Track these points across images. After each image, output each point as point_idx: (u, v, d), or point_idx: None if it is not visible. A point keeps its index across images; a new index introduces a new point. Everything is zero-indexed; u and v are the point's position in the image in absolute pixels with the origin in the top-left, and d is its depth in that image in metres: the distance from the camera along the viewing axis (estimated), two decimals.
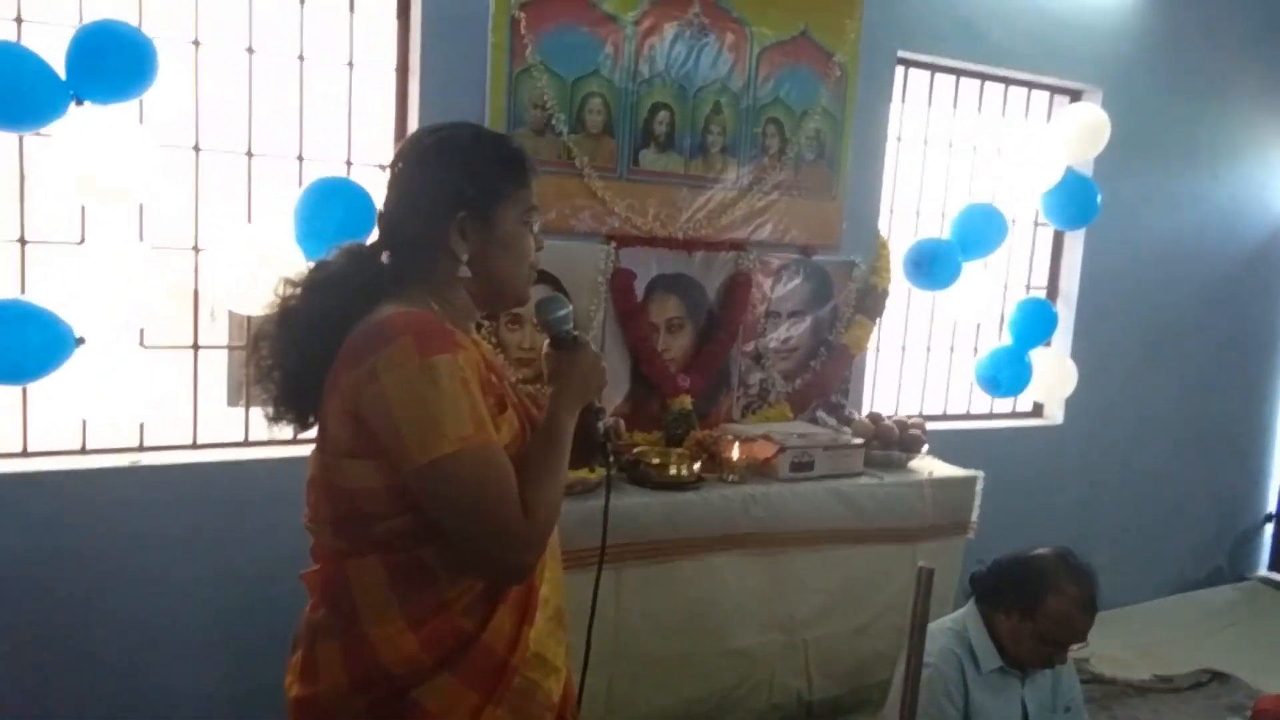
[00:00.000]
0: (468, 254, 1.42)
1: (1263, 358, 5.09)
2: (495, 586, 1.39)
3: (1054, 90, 4.17)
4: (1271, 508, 5.23)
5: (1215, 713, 3.70)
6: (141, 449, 2.72)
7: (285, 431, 1.47)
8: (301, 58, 2.81)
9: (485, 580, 1.38)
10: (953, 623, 2.43)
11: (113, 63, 2.30)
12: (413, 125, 2.87)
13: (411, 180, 1.43)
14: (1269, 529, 5.25)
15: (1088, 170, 3.98)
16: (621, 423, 2.98)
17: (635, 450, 3.00)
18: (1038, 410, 4.43)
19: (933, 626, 2.37)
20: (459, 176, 1.41)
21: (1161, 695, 3.81)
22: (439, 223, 1.40)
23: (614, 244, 3.11)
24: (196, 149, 2.72)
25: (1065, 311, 4.27)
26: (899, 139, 3.82)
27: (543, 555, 1.42)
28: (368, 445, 1.32)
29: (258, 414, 2.86)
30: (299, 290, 1.42)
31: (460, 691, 1.36)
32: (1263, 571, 5.22)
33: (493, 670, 1.38)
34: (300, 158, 2.84)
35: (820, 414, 3.52)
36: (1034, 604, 2.25)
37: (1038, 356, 3.89)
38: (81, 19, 2.49)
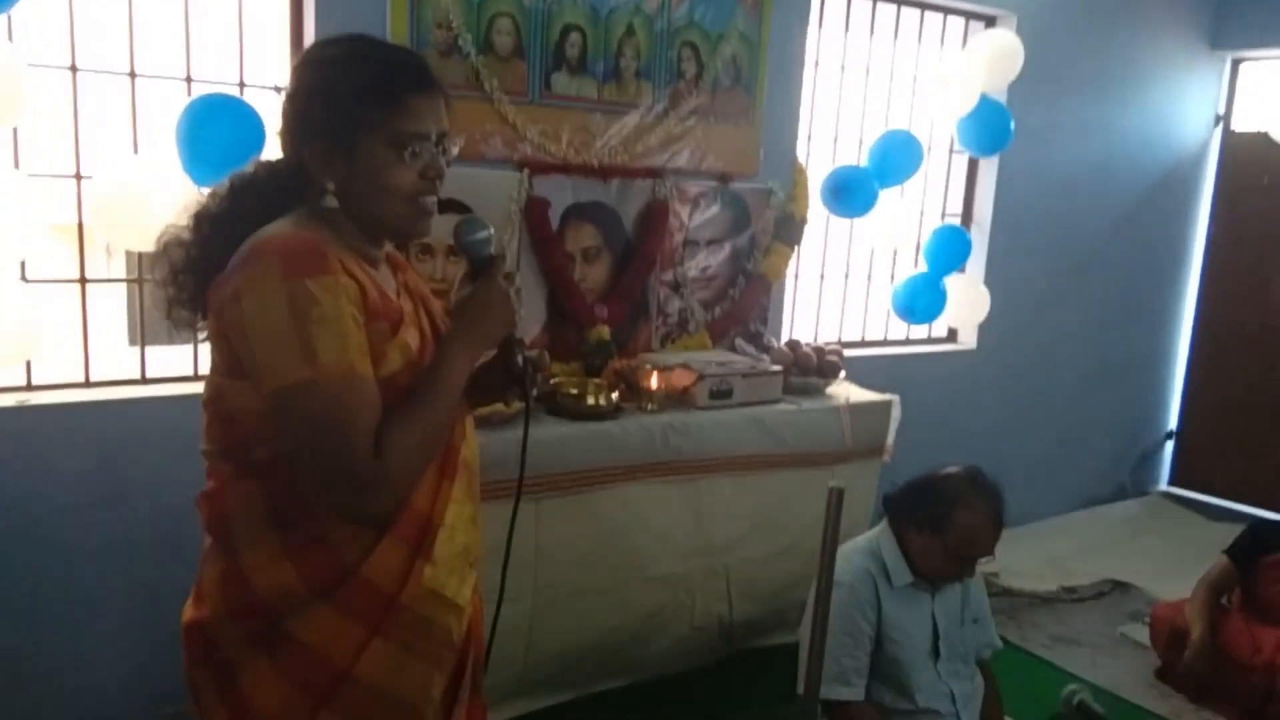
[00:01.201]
0: (332, 181, 1.35)
1: (1167, 282, 5.26)
2: (380, 520, 1.33)
3: (969, 16, 4.17)
4: (1172, 426, 5.46)
5: (1117, 620, 3.89)
6: (30, 388, 2.59)
7: (181, 350, 1.43)
8: None
9: (332, 517, 1.31)
10: (867, 541, 2.48)
11: None
12: (308, 43, 2.72)
13: (285, 101, 1.39)
14: (1169, 446, 5.49)
15: (1002, 98, 4.00)
16: (546, 355, 2.94)
17: (553, 381, 2.96)
18: (952, 336, 4.52)
19: (847, 546, 2.42)
20: (317, 100, 1.34)
21: (1067, 605, 3.99)
22: (300, 148, 1.36)
23: (527, 171, 3.03)
24: (74, 69, 2.55)
25: (979, 238, 4.33)
26: (816, 65, 3.78)
27: (432, 492, 1.38)
28: (238, 366, 1.28)
29: (157, 351, 2.77)
30: (215, 198, 1.40)
31: (340, 623, 1.32)
32: (1163, 486, 5.47)
33: (378, 604, 1.33)
34: (189, 79, 2.68)
35: (739, 342, 3.53)
36: (943, 521, 2.31)
37: (952, 284, 3.95)
38: None
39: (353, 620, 1.32)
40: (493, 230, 1.47)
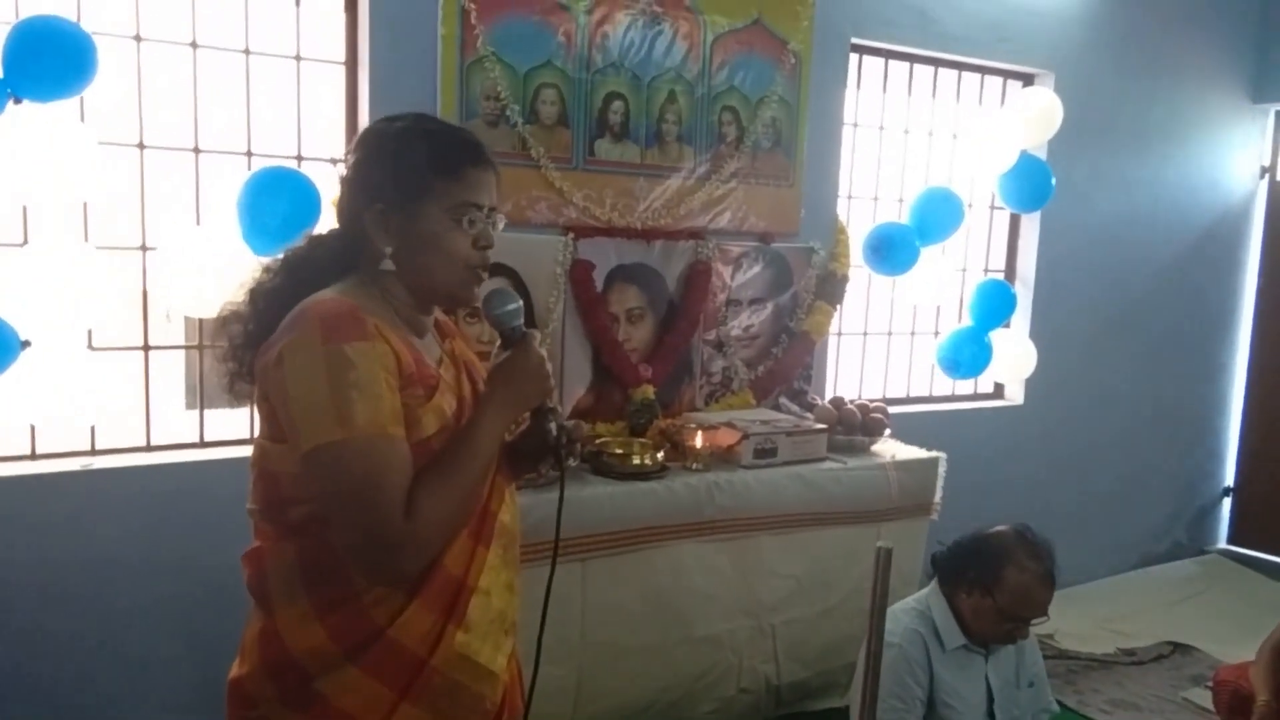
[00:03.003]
0: (390, 247, 1.40)
1: (1217, 334, 5.18)
2: (412, 582, 1.34)
3: (1007, 75, 4.21)
4: (1229, 481, 5.33)
5: (1177, 683, 3.77)
6: (94, 452, 2.67)
7: (237, 414, 1.48)
8: (248, 52, 2.77)
9: (363, 578, 1.33)
10: (916, 602, 2.45)
11: (50, 60, 2.24)
12: (363, 119, 2.84)
13: (349, 170, 1.46)
14: (1227, 503, 5.35)
15: (1042, 154, 4.02)
16: (582, 425, 2.96)
17: (598, 441, 2.99)
18: (998, 391, 4.48)
19: (896, 607, 2.39)
20: (379, 167, 1.41)
21: (1125, 668, 3.88)
22: (361, 212, 1.41)
23: (572, 235, 3.09)
24: (141, 146, 2.67)
25: (1023, 293, 4.31)
26: (855, 125, 3.83)
27: (465, 558, 1.39)
28: (279, 429, 1.33)
29: (215, 415, 2.84)
30: (270, 273, 1.46)
31: (368, 686, 1.32)
32: (1222, 544, 5.32)
33: (407, 668, 1.34)
34: (249, 153, 2.79)
35: (783, 400, 3.53)
36: (994, 580, 2.28)
37: (997, 338, 3.93)
38: (18, 15, 2.43)
39: (381, 683, 1.33)
40: (520, 302, 1.51)
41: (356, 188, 1.43)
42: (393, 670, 1.33)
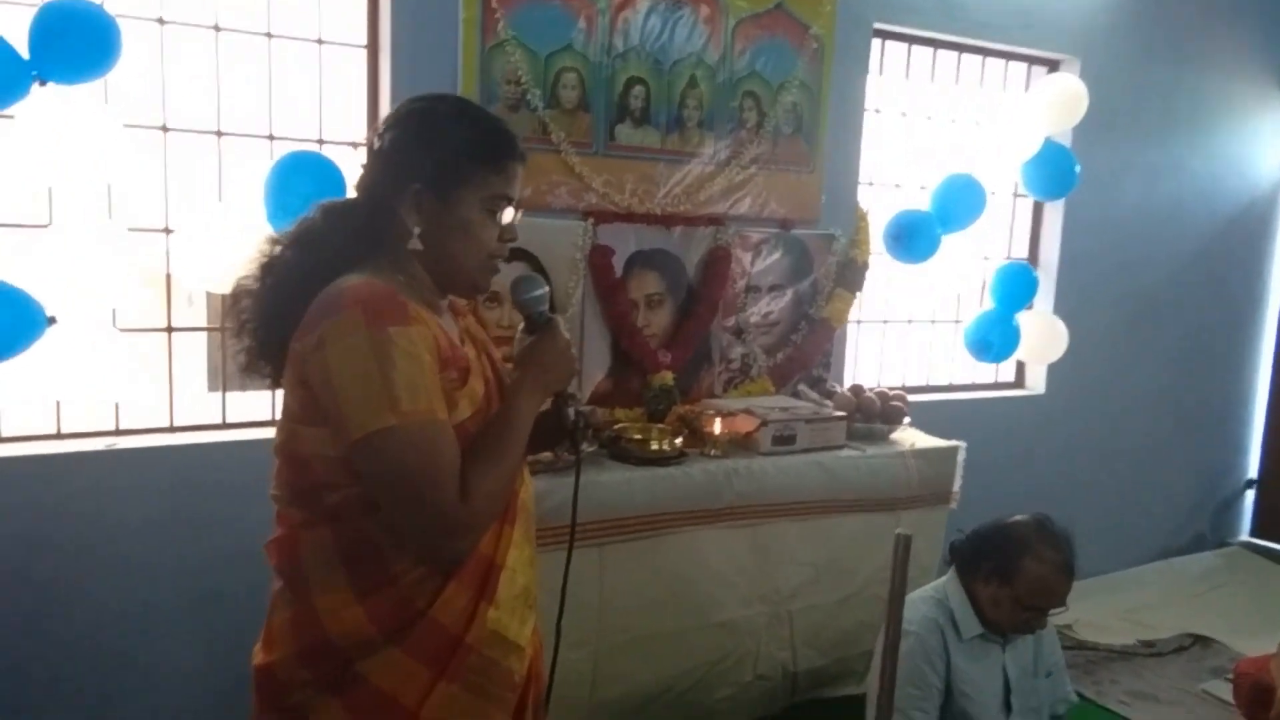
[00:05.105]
0: (420, 228, 1.39)
1: (1242, 325, 5.12)
2: (458, 561, 1.36)
3: (1031, 61, 4.16)
4: (1253, 474, 5.28)
5: (1197, 675, 3.75)
6: (118, 432, 2.70)
7: (259, 395, 1.48)
8: (270, 35, 2.77)
9: (419, 560, 1.35)
10: (934, 590, 2.44)
11: (75, 42, 2.26)
12: (384, 103, 2.84)
13: (385, 146, 1.43)
14: (1250, 495, 5.30)
15: (1066, 141, 3.98)
16: (598, 411, 2.97)
17: (617, 426, 2.99)
18: (1020, 380, 4.45)
19: (914, 595, 2.38)
20: (423, 148, 1.40)
21: (1144, 659, 3.86)
22: (396, 191, 1.40)
23: (591, 220, 3.09)
24: (164, 129, 2.69)
25: (1046, 282, 4.28)
26: (877, 111, 3.80)
27: (493, 536, 1.40)
28: (317, 413, 1.31)
29: (236, 397, 2.86)
30: (279, 246, 1.43)
31: (409, 666, 1.34)
32: (1244, 537, 5.28)
33: (445, 646, 1.36)
34: (271, 137, 2.80)
35: (802, 387, 3.52)
36: (1012, 570, 2.27)
37: (1025, 320, 3.90)
38: None
39: (421, 663, 1.35)
40: (548, 288, 1.53)
41: (393, 164, 1.41)
42: (432, 650, 1.35)
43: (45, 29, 2.24)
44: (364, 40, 2.87)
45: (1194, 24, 4.48)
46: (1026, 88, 4.14)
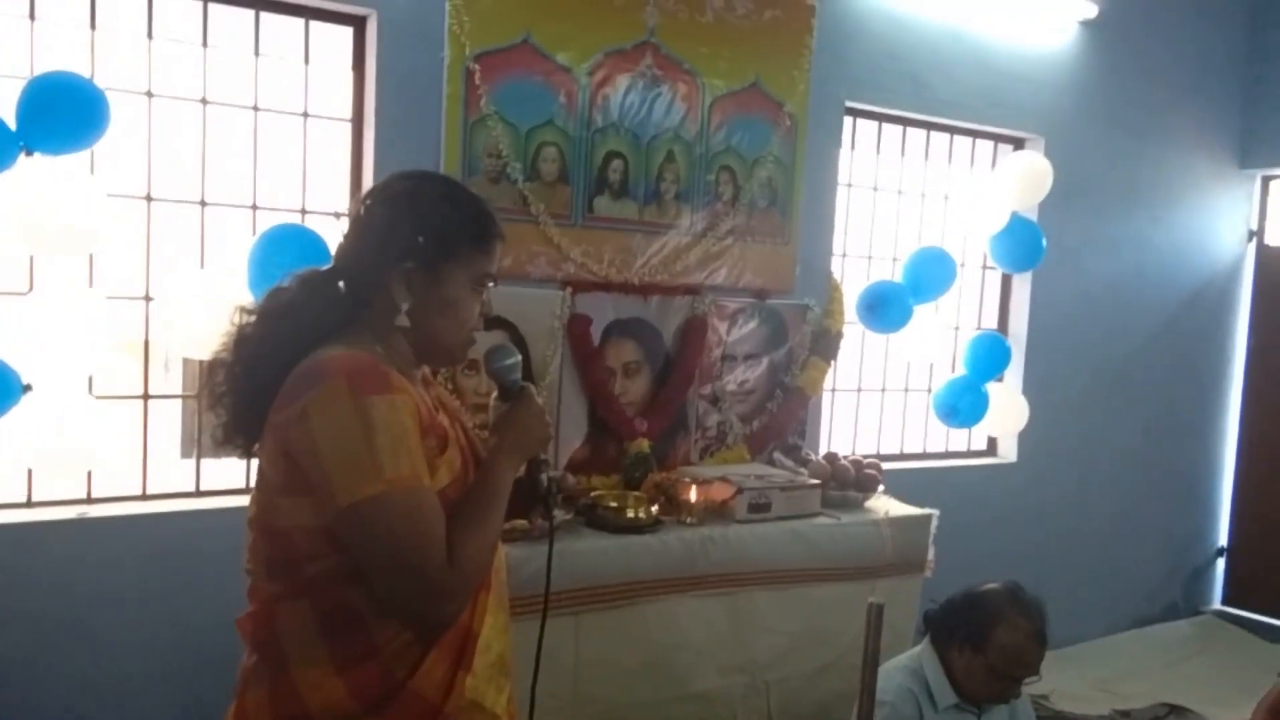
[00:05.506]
0: (408, 304, 1.41)
1: (1209, 395, 5.21)
2: (444, 629, 1.37)
3: (998, 139, 4.30)
4: (1223, 542, 5.33)
5: None
6: (90, 500, 2.67)
7: (234, 463, 1.47)
8: (256, 108, 2.83)
9: (406, 627, 1.35)
10: (908, 660, 2.44)
11: (63, 114, 2.30)
12: (368, 175, 2.89)
13: (373, 219, 1.44)
14: (1221, 563, 5.34)
15: (1033, 215, 4.09)
16: (570, 477, 2.99)
17: (593, 494, 3.00)
18: (991, 448, 4.50)
19: (889, 665, 2.38)
20: (416, 226, 1.41)
21: None
22: (386, 267, 1.41)
23: (570, 289, 3.14)
24: (149, 198, 2.72)
25: (1016, 352, 4.34)
26: (849, 185, 3.91)
27: (469, 604, 1.40)
28: (299, 483, 1.31)
29: (210, 464, 2.85)
30: (254, 317, 1.43)
31: None
32: (1216, 605, 5.30)
33: (423, 716, 1.36)
34: (254, 207, 2.84)
35: (777, 455, 3.55)
36: (984, 638, 2.28)
37: (992, 391, 3.96)
38: (32, 70, 2.49)
39: None
40: (519, 357, 1.56)
41: (381, 240, 1.42)
42: None
43: (34, 101, 2.28)
44: (349, 114, 2.94)
45: (1155, 102, 4.66)
46: (993, 164, 4.26)
